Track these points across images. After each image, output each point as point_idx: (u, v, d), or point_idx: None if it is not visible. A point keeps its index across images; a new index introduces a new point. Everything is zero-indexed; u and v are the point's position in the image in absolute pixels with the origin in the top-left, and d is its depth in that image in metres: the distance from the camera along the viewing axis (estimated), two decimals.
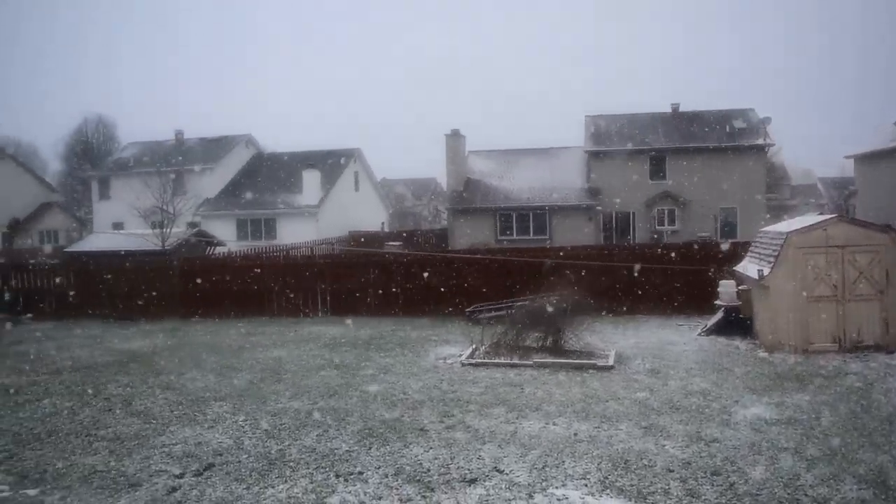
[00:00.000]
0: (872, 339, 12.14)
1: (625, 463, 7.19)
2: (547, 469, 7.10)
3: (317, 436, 8.40)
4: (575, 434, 8.16)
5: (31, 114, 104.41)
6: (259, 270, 19.64)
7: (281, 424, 8.92)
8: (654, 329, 15.32)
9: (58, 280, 20.99)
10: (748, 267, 13.88)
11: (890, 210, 36.42)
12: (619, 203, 36.85)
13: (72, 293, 20.51)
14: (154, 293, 19.69)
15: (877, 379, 10.32)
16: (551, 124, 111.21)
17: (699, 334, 14.35)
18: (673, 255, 17.91)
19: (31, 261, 25.75)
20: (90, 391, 11.19)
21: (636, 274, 17.20)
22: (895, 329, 12.14)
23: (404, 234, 39.99)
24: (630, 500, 6.31)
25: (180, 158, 45.04)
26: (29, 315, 20.29)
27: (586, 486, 6.67)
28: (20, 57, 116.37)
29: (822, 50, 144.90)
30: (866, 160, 42.21)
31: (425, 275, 18.43)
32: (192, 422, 9.23)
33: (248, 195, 42.59)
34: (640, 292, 17.20)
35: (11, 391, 11.35)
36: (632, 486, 6.62)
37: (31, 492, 7.04)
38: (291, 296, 19.15)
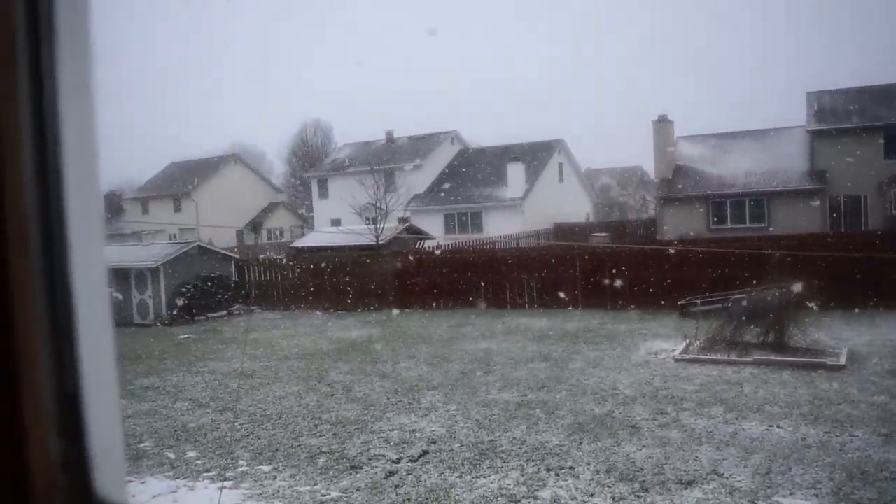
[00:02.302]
0: None
1: (862, 474, 6.57)
2: (771, 475, 6.66)
3: (527, 428, 8.46)
4: (803, 438, 7.59)
5: (258, 119, 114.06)
6: (466, 263, 20.13)
7: (491, 415, 9.08)
8: (893, 325, 13.85)
9: (283, 273, 22.80)
10: None
11: None
12: (848, 186, 33.64)
13: (296, 285, 22.20)
14: (369, 285, 20.81)
15: None
16: (767, 104, 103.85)
17: None
18: None
19: (261, 256, 28.20)
20: (314, 377, 12.04)
21: (870, 263, 15.64)
22: None
23: (610, 225, 39.23)
24: None
25: (391, 157, 47.21)
26: (258, 306, 22.22)
27: (817, 496, 6.17)
28: (242, 67, 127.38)
29: None
30: None
31: (634, 266, 17.95)
32: (408, 409, 9.63)
33: (455, 190, 43.74)
34: (876, 284, 15.60)
35: (247, 374, 12.48)
36: (871, 500, 6.03)
37: (265, 468, 7.70)
38: (498, 287, 19.43)
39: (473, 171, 45.58)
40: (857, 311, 15.17)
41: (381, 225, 25.85)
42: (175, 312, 20.23)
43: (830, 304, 14.20)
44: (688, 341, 12.41)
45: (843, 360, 10.79)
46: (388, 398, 10.33)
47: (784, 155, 36.71)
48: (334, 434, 8.74)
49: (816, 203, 33.66)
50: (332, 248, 24.40)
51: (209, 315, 20.67)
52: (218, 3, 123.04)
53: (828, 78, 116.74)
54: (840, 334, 12.92)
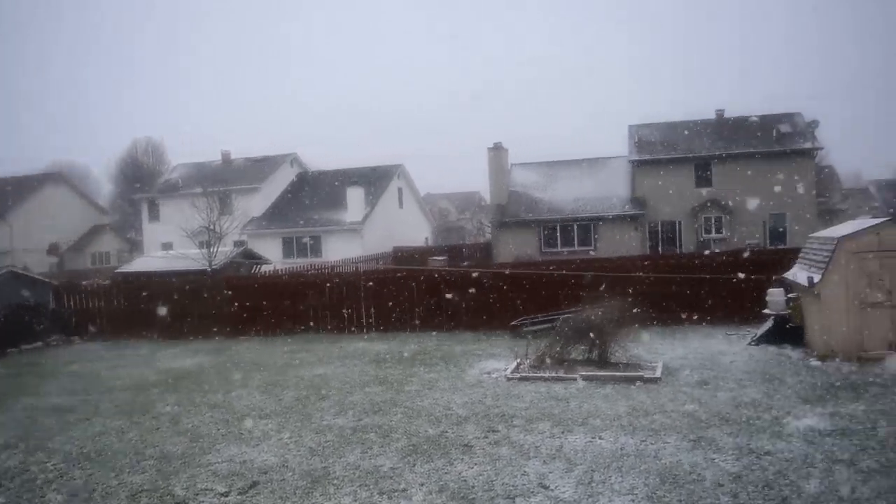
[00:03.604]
0: None
1: (673, 477, 7.05)
2: (593, 485, 7.00)
3: (361, 453, 8.42)
4: (621, 448, 8.04)
5: (85, 135, 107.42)
6: (304, 288, 19.82)
7: (325, 442, 8.96)
8: (702, 339, 15.03)
9: (108, 301, 21.44)
10: (798, 274, 13.55)
11: None
12: (665, 212, 36.41)
13: (122, 314, 20.94)
14: (201, 312, 19.99)
15: None
16: (595, 135, 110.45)
17: (749, 344, 14.03)
18: (720, 263, 17.60)
19: (84, 282, 26.41)
20: (139, 410, 11.39)
21: (682, 283, 16.92)
22: None
23: (448, 249, 40.04)
24: None
25: (227, 179, 45.89)
26: (79, 336, 20.75)
27: (633, 501, 6.56)
28: (74, 78, 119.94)
29: (871, 55, 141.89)
30: None
31: (470, 289, 18.39)
32: (238, 440, 9.32)
33: (294, 213, 43.10)
34: (687, 302, 16.89)
35: (64, 410, 11.60)
36: (680, 501, 6.48)
37: None
38: (336, 313, 19.26)
39: (313, 194, 45.18)
40: (671, 326, 16.38)
41: (215, 249, 24.99)
42: None
43: (648, 320, 15.22)
44: (519, 360, 12.85)
45: (658, 373, 11.56)
46: (219, 429, 9.95)
47: (609, 183, 39.12)
48: (158, 470, 8.29)
49: (637, 227, 36.03)
50: (162, 273, 23.25)
51: (23, 347, 19.07)
52: (42, 12, 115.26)
53: (651, 110, 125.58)
54: (656, 349, 13.86)
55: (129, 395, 12.56)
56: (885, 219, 13.35)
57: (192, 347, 18.15)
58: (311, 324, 19.30)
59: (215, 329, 19.69)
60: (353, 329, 19.03)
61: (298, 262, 33.29)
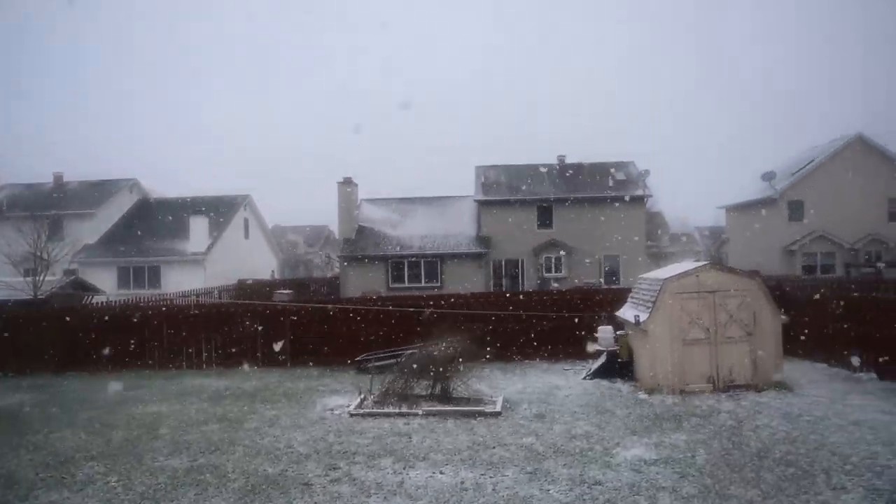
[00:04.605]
0: (743, 379, 12.80)
1: None
2: None
3: (195, 495, 8.06)
4: (461, 482, 8.16)
5: None
6: (141, 321, 18.80)
7: (157, 484, 8.51)
8: (540, 374, 15.59)
9: None
10: (627, 312, 14.41)
11: (757, 257, 38.78)
12: (509, 251, 37.66)
13: None
14: (24, 345, 18.49)
15: (747, 417, 10.85)
16: (445, 175, 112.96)
17: (584, 378, 14.70)
18: (559, 301, 18.38)
19: None
20: None
21: (523, 320, 17.52)
22: (763, 368, 12.84)
23: (295, 283, 39.38)
24: None
25: (59, 202, 43.06)
26: None
27: None
28: None
29: (695, 106, 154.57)
30: (736, 211, 45.04)
31: (315, 325, 18.16)
32: (60, 484, 8.67)
33: (132, 241, 40.93)
34: (528, 338, 17.50)
35: None
36: None
37: None
38: (175, 347, 18.41)
39: (153, 222, 43.17)
40: (512, 361, 16.88)
41: (42, 278, 23.32)
42: None
43: (490, 355, 15.64)
44: (362, 396, 12.80)
45: (498, 407, 11.87)
46: (37, 473, 9.21)
47: (457, 221, 40.06)
48: None
49: (482, 265, 37.00)
50: None
51: None
52: None
53: (496, 155, 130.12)
54: (497, 383, 14.24)
55: None
56: (704, 262, 14.51)
57: (13, 384, 16.74)
58: (148, 359, 18.33)
59: (39, 364, 18.25)
60: (192, 365, 18.25)
61: (136, 294, 31.58)
